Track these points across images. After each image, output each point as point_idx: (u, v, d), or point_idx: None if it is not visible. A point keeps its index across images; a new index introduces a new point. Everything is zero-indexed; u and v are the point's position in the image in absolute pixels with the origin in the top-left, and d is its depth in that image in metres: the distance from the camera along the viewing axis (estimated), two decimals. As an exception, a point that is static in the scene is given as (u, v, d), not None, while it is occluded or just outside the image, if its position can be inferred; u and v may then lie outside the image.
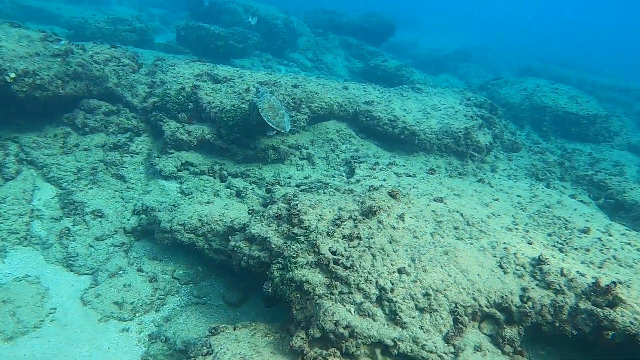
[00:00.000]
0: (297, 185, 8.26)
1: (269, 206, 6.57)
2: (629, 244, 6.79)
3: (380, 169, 8.86)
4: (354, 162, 9.28)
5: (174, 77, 9.98)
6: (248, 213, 7.42)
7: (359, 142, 10.65)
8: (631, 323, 4.95)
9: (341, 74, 20.19)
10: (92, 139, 8.95)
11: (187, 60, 11.24)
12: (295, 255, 5.47)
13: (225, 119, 8.84)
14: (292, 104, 9.81)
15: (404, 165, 9.49)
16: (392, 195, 6.72)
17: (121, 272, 6.98)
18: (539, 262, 5.79)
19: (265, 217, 6.28)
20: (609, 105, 17.81)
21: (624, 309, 5.11)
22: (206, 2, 21.33)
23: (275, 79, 10.59)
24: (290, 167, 9.38)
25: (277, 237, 5.82)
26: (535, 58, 33.19)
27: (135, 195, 8.42)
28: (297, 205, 6.20)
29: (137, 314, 6.52)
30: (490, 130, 11.50)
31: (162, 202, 7.94)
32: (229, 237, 6.45)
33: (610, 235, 6.96)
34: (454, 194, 7.67)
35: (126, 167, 8.81)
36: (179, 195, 8.30)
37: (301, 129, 9.86)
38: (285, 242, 5.69)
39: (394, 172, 8.73)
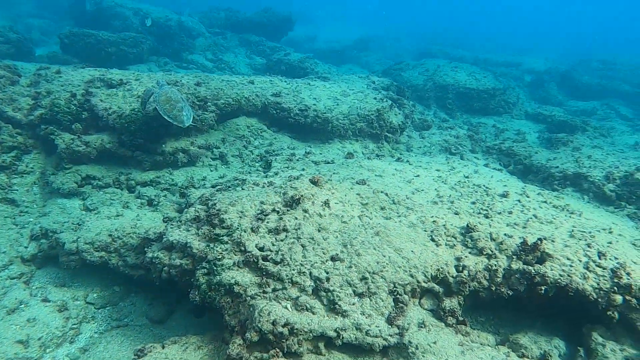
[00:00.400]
0: (213, 186, 7.78)
1: (186, 210, 6.09)
2: (545, 202, 7.06)
3: (298, 160, 8.62)
4: (270, 156, 8.95)
5: (62, 86, 9.08)
6: (163, 221, 6.88)
7: (271, 135, 10.33)
8: (560, 275, 5.08)
9: (244, 72, 19.70)
10: (-29, 162, 7.92)
11: (75, 67, 10.31)
12: (220, 257, 5.07)
13: (127, 125, 8.16)
14: (198, 103, 9.29)
15: (320, 154, 9.31)
16: (314, 182, 6.48)
17: (22, 306, 6.16)
18: (468, 230, 5.81)
19: (183, 221, 5.80)
20: (503, 79, 18.81)
21: (552, 263, 5.24)
22: (88, 6, 19.91)
23: (177, 79, 10.00)
24: (203, 169, 8.87)
25: (199, 240, 5.37)
26: (432, 43, 34.54)
27: (32, 219, 7.51)
28: (215, 204, 5.79)
29: (47, 350, 5.75)
30: (401, 111, 11.65)
31: (64, 223, 7.14)
32: (145, 249, 5.88)
33: (528, 197, 7.20)
34: (376, 175, 7.59)
35: (16, 190, 7.87)
36: (83, 212, 7.53)
37: (210, 128, 9.37)
38: (208, 245, 5.26)
39: (312, 161, 8.51)
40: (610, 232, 6.18)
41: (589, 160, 10.14)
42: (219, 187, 7.46)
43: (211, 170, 8.89)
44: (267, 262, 4.97)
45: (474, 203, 6.82)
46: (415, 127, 12.38)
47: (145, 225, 6.63)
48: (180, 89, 9.39)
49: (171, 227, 5.78)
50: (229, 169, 9.07)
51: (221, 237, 5.30)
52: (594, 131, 14.02)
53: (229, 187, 7.27)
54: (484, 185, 7.54)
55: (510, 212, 6.52)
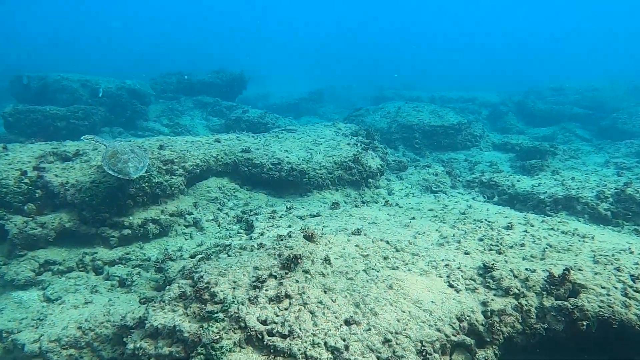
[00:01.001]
0: (193, 256, 7.00)
1: (168, 287, 5.27)
2: (552, 229, 6.64)
3: (281, 217, 7.96)
4: (249, 216, 8.25)
5: (10, 164, 8.20)
6: (141, 303, 6.01)
7: (246, 195, 9.67)
8: (600, 307, 4.60)
9: (203, 134, 19.13)
10: None
11: (24, 143, 9.45)
12: (218, 339, 4.27)
13: (88, 199, 7.34)
14: (164, 168, 8.58)
15: (303, 207, 8.69)
16: (309, 238, 5.84)
17: None
18: (486, 270, 5.27)
19: (167, 301, 4.98)
20: (463, 115, 19.01)
21: (588, 294, 4.75)
22: (25, 80, 19.05)
23: (138, 144, 9.28)
24: (177, 238, 8.07)
25: (189, 321, 4.57)
26: (384, 87, 35.16)
27: (-18, 320, 6.47)
28: (203, 277, 5.03)
29: None
30: (376, 154, 11.25)
31: (22, 319, 6.13)
32: (124, 339, 4.99)
33: (533, 226, 6.78)
34: (369, 223, 7.02)
35: (-38, 289, 6.83)
36: (44, 304, 6.54)
37: (180, 193, 8.63)
38: (201, 326, 4.46)
39: (297, 216, 7.87)
40: (631, 252, 5.78)
41: (573, 182, 9.93)
42: (200, 256, 6.70)
43: (186, 239, 8.09)
44: (274, 337, 4.23)
45: (481, 240, 6.31)
46: (392, 170, 12.01)
47: (120, 310, 5.73)
48: (144, 153, 8.68)
49: (153, 310, 4.94)
50: (205, 235, 8.30)
51: (215, 315, 4.52)
52: (563, 154, 14.05)
53: (211, 255, 6.53)
54: (485, 220, 7.09)
55: (522, 245, 6.04)
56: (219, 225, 8.61)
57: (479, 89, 29.78)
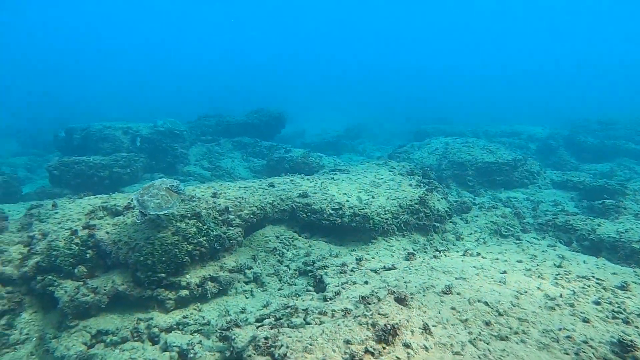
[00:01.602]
0: (260, 320, 6.19)
1: (242, 365, 4.50)
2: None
3: (352, 270, 7.12)
4: (317, 270, 7.43)
5: (59, 223, 7.70)
6: (209, 383, 5.21)
7: (305, 243, 8.89)
8: None
9: (244, 177, 18.62)
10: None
11: (72, 198, 8.97)
12: None
13: (142, 259, 6.68)
14: (220, 219, 7.91)
15: (373, 258, 7.84)
16: (400, 301, 5.01)
17: None
18: (623, 347, 4.28)
19: (246, 385, 4.20)
20: (511, 150, 18.04)
21: None
22: (61, 133, 19.03)
23: (190, 192, 8.68)
24: (238, 297, 7.31)
25: (279, 417, 3.76)
26: (421, 122, 34.44)
27: (32, 403, 5.79)
28: (286, 355, 4.23)
29: None
30: (440, 195, 10.37)
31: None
32: None
33: (651, 283, 5.76)
34: (456, 278, 6.12)
35: (8, 369, 6.20)
36: (99, 383, 5.83)
37: (238, 245, 7.92)
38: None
39: (370, 270, 7.02)
40: None
41: (668, 226, 8.82)
42: (269, 320, 5.91)
43: (247, 297, 7.33)
44: None
45: (597, 303, 5.35)
46: (455, 211, 11.06)
47: (186, 393, 4.96)
48: (198, 204, 8.04)
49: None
50: (266, 292, 7.52)
51: (312, 408, 3.70)
52: (634, 194, 12.84)
53: (281, 318, 5.75)
54: (593, 277, 6.13)
55: (652, 309, 5.03)
56: (280, 280, 7.83)
57: (520, 122, 28.67)
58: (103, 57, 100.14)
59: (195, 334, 6.59)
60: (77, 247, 7.13)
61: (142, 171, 16.44)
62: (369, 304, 5.12)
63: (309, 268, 8.00)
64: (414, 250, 8.69)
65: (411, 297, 5.17)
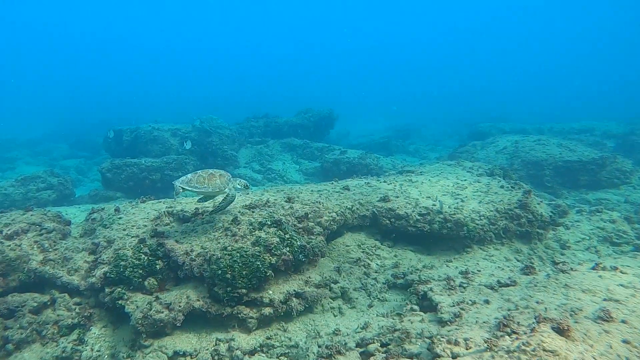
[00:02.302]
0: (361, 344, 5.27)
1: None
2: None
3: (461, 285, 6.11)
4: (417, 285, 6.43)
5: (124, 230, 6.99)
6: None
7: (389, 253, 7.95)
8: None
9: (296, 180, 17.81)
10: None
11: (134, 202, 8.27)
12: None
13: (220, 272, 5.86)
14: (300, 227, 7.04)
15: (479, 271, 6.79)
16: (561, 332, 3.97)
17: None
18: None
19: None
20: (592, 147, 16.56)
21: None
22: (110, 134, 18.66)
23: (263, 199, 7.84)
24: (325, 316, 6.41)
25: None
26: (467, 122, 33.04)
27: None
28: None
29: None
30: (539, 198, 9.24)
31: None
32: None
33: None
34: (604, 299, 5.00)
35: (80, 393, 5.50)
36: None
37: (321, 256, 7.02)
38: None
39: (484, 285, 6.00)
40: None
41: None
42: (374, 346, 4.99)
43: (335, 316, 6.43)
44: None
45: None
46: (549, 215, 9.89)
47: None
48: (275, 209, 7.20)
49: None
50: (355, 309, 6.60)
51: None
52: None
53: (387, 344, 4.84)
54: None
55: None
56: (369, 295, 6.90)
57: (586, 118, 26.87)
58: (143, 60, 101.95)
59: (282, 357, 5.75)
60: (146, 257, 6.38)
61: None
62: (515, 332, 4.12)
63: (399, 281, 7.04)
64: (517, 260, 7.62)
65: (573, 328, 4.13)
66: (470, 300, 5.49)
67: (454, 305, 5.44)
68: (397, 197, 8.54)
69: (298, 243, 6.30)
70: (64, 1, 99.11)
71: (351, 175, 15.42)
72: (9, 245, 6.51)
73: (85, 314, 6.27)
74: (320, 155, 19.64)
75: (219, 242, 6.28)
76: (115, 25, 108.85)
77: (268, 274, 5.93)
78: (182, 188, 6.29)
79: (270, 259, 5.98)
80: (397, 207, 8.12)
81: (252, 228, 6.38)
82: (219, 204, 6.65)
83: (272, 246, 6.06)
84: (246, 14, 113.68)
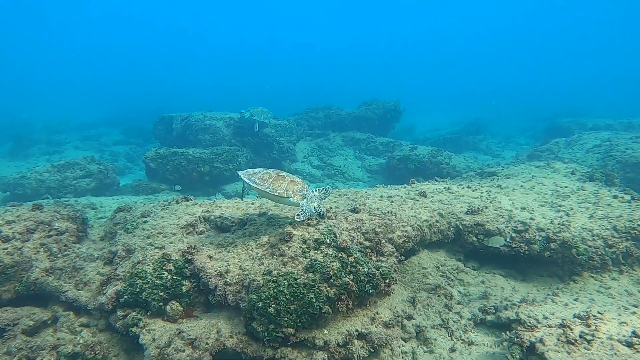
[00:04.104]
0: None
1: None
2: None
3: (583, 338, 4.38)
4: (521, 332, 4.74)
5: (148, 238, 5.68)
6: None
7: (475, 278, 6.30)
8: None
9: (358, 177, 16.23)
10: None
11: (165, 203, 6.96)
12: None
13: (261, 304, 4.42)
14: (368, 246, 5.50)
15: (601, 314, 5.00)
16: None
17: None
18: None
19: None
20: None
21: None
22: (160, 122, 17.64)
23: (325, 207, 6.35)
24: (396, 364, 4.87)
25: None
26: (545, 116, 30.31)
27: None
28: None
29: None
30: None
31: None
32: None
33: None
34: None
35: None
36: None
37: (394, 283, 5.47)
38: None
39: (617, 340, 4.26)
40: None
41: None
42: None
43: (408, 364, 4.88)
44: None
45: None
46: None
47: None
48: (337, 223, 5.68)
49: None
50: (432, 354, 5.02)
51: None
52: None
53: None
54: None
55: None
56: (450, 335, 5.30)
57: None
58: (200, 52, 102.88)
59: (337, 423, 4.28)
60: (169, 276, 5.04)
61: (244, 167, 14.51)
62: None
63: (489, 318, 5.42)
64: (642, 295, 5.79)
65: None
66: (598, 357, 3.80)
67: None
68: (486, 207, 6.83)
69: (365, 270, 4.76)
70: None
71: (419, 175, 13.79)
72: (6, 249, 5.35)
73: (94, 341, 5.02)
74: (385, 151, 17.96)
75: (262, 264, 4.84)
76: (176, 17, 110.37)
77: (324, 310, 4.43)
78: (242, 177, 4.97)
79: (327, 291, 4.48)
80: (487, 222, 6.44)
81: (306, 247, 4.89)
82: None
83: (332, 274, 4.55)
84: (307, 5, 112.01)
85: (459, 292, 6.05)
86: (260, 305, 4.42)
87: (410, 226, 6.05)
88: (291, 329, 4.40)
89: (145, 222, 6.08)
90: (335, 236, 5.03)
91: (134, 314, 4.95)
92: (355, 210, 6.16)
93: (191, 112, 17.37)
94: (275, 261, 4.80)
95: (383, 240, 5.61)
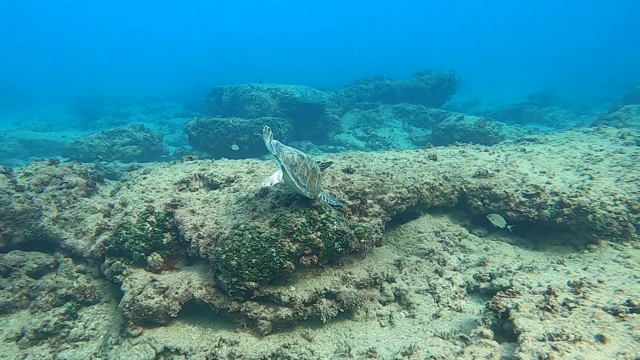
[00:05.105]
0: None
1: None
2: None
3: (566, 305, 3.98)
4: (500, 298, 4.42)
5: (143, 192, 5.85)
6: None
7: (479, 244, 5.93)
8: None
9: (403, 148, 15.74)
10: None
11: (173, 162, 7.14)
12: None
13: (224, 257, 4.42)
14: (350, 204, 5.33)
15: (600, 282, 4.53)
16: None
17: None
18: None
19: None
20: None
21: None
22: (211, 94, 17.89)
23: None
24: (369, 325, 4.73)
25: None
26: (628, 83, 27.75)
27: None
28: None
29: None
30: None
31: None
32: None
33: None
34: None
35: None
36: None
37: (375, 245, 5.29)
38: None
39: (604, 309, 3.83)
40: None
41: None
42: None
43: (382, 326, 4.72)
44: None
45: None
46: None
47: None
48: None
49: None
50: (413, 319, 4.81)
51: None
52: None
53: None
54: None
55: None
56: (437, 301, 5.05)
57: None
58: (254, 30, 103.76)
59: (300, 376, 4.24)
60: (151, 228, 5.18)
61: (287, 137, 14.51)
62: None
63: (483, 285, 5.11)
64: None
65: None
66: (574, 333, 3.44)
67: (543, 340, 3.44)
68: (498, 170, 6.39)
69: (334, 227, 4.62)
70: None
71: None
72: (18, 197, 5.71)
73: (86, 285, 5.30)
74: (435, 122, 17.29)
75: (235, 218, 4.84)
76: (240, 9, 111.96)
77: (285, 265, 4.36)
78: (283, 166, 4.38)
79: (289, 246, 4.40)
80: (495, 185, 6.02)
81: (278, 202, 4.82)
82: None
83: (295, 229, 4.45)
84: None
85: (459, 258, 5.73)
86: (223, 257, 4.42)
87: (406, 188, 5.79)
88: (253, 283, 4.38)
89: (144, 178, 6.28)
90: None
91: (118, 262, 5.16)
92: (348, 171, 5.97)
93: (239, 84, 17.58)
94: (247, 216, 4.77)
95: (370, 201, 5.41)
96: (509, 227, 5.72)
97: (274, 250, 4.34)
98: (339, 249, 4.59)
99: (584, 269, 5.08)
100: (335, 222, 4.64)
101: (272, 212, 4.67)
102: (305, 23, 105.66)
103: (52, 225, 5.74)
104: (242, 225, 4.59)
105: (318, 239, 4.48)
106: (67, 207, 6.04)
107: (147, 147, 13.62)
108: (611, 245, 5.62)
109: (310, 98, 16.24)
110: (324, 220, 4.62)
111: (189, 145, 14.15)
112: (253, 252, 4.36)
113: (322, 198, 4.81)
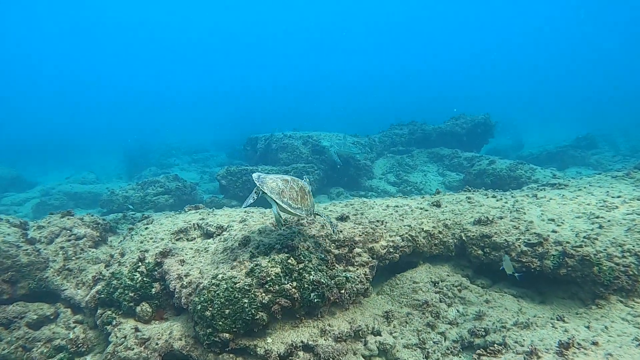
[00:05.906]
0: None
1: None
2: None
3: (548, 369, 3.73)
4: (482, 354, 4.19)
5: (142, 242, 6.01)
6: None
7: (478, 296, 5.66)
8: None
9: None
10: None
11: (178, 212, 7.33)
12: None
13: (199, 307, 4.43)
14: (335, 254, 5.27)
15: (594, 344, 4.21)
16: None
17: None
18: None
19: None
20: None
21: None
22: (247, 143, 18.29)
23: (319, 208, 6.23)
24: (348, 383, 4.54)
25: None
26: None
27: None
28: None
29: None
30: None
31: None
32: None
33: None
34: None
35: None
36: None
37: (361, 295, 5.16)
38: None
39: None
40: None
41: None
42: None
43: (363, 384, 4.53)
44: None
45: None
46: None
47: None
48: (301, 228, 5.52)
49: None
50: (399, 377, 4.59)
51: None
52: None
53: None
54: None
55: None
56: (426, 357, 4.81)
57: None
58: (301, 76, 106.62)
59: None
60: (140, 278, 5.28)
61: (317, 184, 14.59)
62: None
63: (477, 341, 4.84)
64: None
65: None
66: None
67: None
68: (503, 217, 6.15)
69: (311, 277, 4.55)
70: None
71: (497, 190, 12.79)
72: (26, 250, 5.99)
73: (80, 335, 5.41)
74: (469, 166, 16.95)
75: (217, 267, 4.87)
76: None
77: (257, 316, 4.31)
78: (270, 195, 4.40)
79: (262, 297, 4.36)
80: (495, 233, 5.79)
81: (258, 252, 4.82)
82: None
83: (268, 279, 4.42)
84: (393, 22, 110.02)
85: (458, 311, 5.48)
86: (199, 307, 4.43)
87: (400, 236, 5.66)
88: (227, 335, 4.33)
89: (146, 228, 6.45)
90: (287, 243, 4.86)
91: (109, 312, 5.26)
92: (342, 218, 5.92)
93: (273, 133, 18.01)
94: (227, 265, 4.79)
95: (358, 249, 5.31)
96: (516, 274, 5.43)
97: (246, 301, 4.32)
98: (315, 300, 4.50)
99: (587, 327, 4.74)
100: (312, 272, 4.58)
101: (250, 262, 4.67)
102: (348, 73, 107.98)
103: (56, 276, 5.96)
104: (220, 275, 4.61)
105: (293, 289, 4.42)
106: (73, 258, 6.27)
107: (179, 196, 14.05)
108: (621, 302, 5.21)
109: (340, 149, 16.39)
110: (300, 270, 4.57)
111: (221, 194, 14.48)
112: (226, 303, 4.34)
113: (321, 216, 4.89)
